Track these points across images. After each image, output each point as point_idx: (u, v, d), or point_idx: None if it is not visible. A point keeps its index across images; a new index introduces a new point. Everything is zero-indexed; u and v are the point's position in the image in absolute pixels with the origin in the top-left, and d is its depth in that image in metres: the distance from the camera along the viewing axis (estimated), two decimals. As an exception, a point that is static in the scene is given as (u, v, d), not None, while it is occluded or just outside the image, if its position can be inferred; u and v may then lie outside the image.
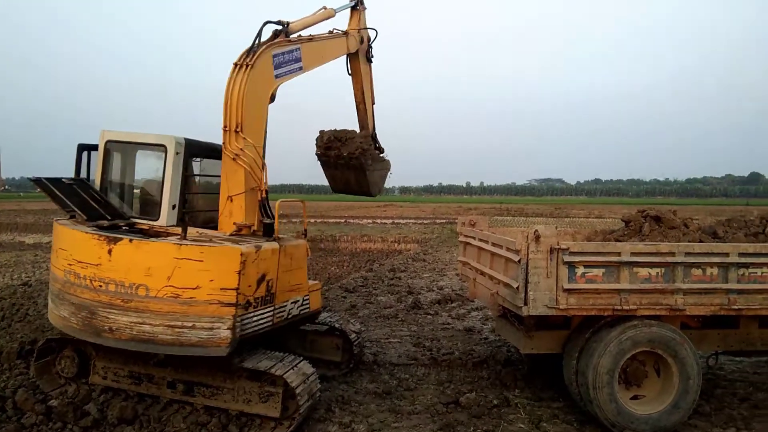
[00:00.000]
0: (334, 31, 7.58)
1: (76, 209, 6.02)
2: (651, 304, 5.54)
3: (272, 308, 5.73)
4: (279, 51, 6.47)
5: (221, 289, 5.15)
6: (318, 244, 22.27)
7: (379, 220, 41.53)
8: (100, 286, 5.32)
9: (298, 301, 6.24)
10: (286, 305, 5.99)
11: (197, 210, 7.06)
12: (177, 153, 6.34)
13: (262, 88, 6.34)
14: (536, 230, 5.41)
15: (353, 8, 8.07)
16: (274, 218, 6.20)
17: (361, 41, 8.05)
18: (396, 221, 41.12)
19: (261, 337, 5.82)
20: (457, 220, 8.25)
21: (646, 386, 5.79)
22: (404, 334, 9.33)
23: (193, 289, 5.15)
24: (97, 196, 6.31)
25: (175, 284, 5.16)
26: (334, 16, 7.53)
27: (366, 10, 8.17)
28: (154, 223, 6.37)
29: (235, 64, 6.15)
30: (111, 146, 6.66)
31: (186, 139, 6.47)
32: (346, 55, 7.98)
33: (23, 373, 6.80)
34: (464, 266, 7.81)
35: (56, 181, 6.05)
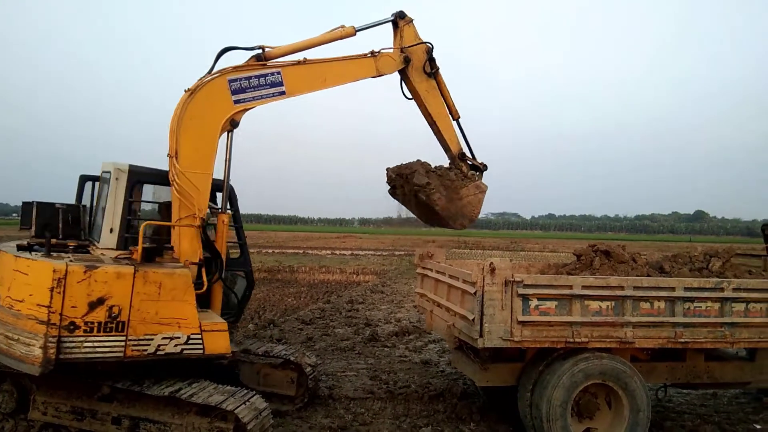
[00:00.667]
0: (378, 50, 6.85)
1: (33, 225, 6.22)
2: (602, 336, 5.67)
3: (123, 338, 5.35)
4: (237, 76, 6.28)
5: (37, 305, 5.08)
6: (275, 275, 21.95)
7: (338, 251, 41.35)
8: None
9: (179, 338, 5.54)
10: (152, 339, 5.46)
11: (155, 236, 6.92)
12: (117, 179, 6.32)
13: (212, 115, 6.18)
14: (492, 263, 5.49)
15: (394, 25, 7.11)
16: (213, 248, 6.11)
17: (406, 60, 6.97)
18: (355, 252, 41.01)
19: (201, 370, 5.76)
20: (415, 252, 8.30)
21: (598, 418, 5.88)
22: (361, 367, 9.22)
23: (20, 301, 5.18)
24: (73, 220, 6.61)
25: (11, 295, 5.25)
26: (354, 34, 6.82)
27: (412, 23, 7.09)
28: (97, 245, 6.31)
29: (186, 90, 6.09)
30: (103, 176, 6.90)
31: (131, 166, 6.45)
32: (400, 78, 7.18)
33: (-46, 409, 6.37)
34: (421, 298, 7.84)
35: (45, 204, 6.45)
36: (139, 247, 5.63)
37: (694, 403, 7.85)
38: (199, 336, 5.63)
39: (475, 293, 5.54)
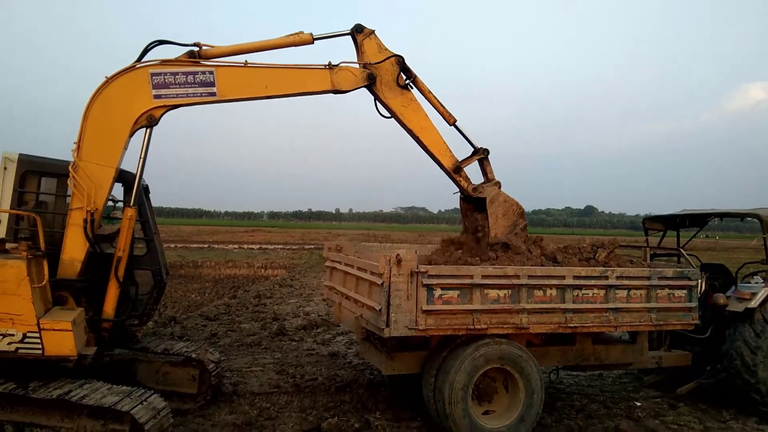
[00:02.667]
0: (337, 63, 6.24)
1: None
2: (500, 323, 5.95)
3: None
4: (162, 71, 5.87)
5: None
6: (178, 270, 21.07)
7: (245, 245, 40.39)
8: None
9: (13, 335, 5.18)
10: None
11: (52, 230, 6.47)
12: (5, 168, 5.96)
13: (125, 107, 5.82)
14: (398, 254, 5.60)
15: (352, 38, 6.44)
16: (93, 242, 5.76)
17: (370, 78, 6.30)
18: (264, 246, 40.26)
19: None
20: (324, 246, 8.29)
21: (496, 401, 6.17)
22: (267, 361, 9.09)
23: None
24: None
25: None
26: (311, 42, 6.24)
27: (373, 35, 6.39)
28: None
29: (106, 78, 5.73)
30: None
31: (21, 155, 6.04)
32: (372, 97, 6.50)
33: None
34: (330, 291, 7.85)
35: None
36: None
37: (583, 384, 8.46)
38: (38, 335, 5.18)
39: (382, 284, 5.62)
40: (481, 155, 6.94)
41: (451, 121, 6.79)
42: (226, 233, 59.18)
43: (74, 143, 5.73)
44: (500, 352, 5.95)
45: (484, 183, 6.97)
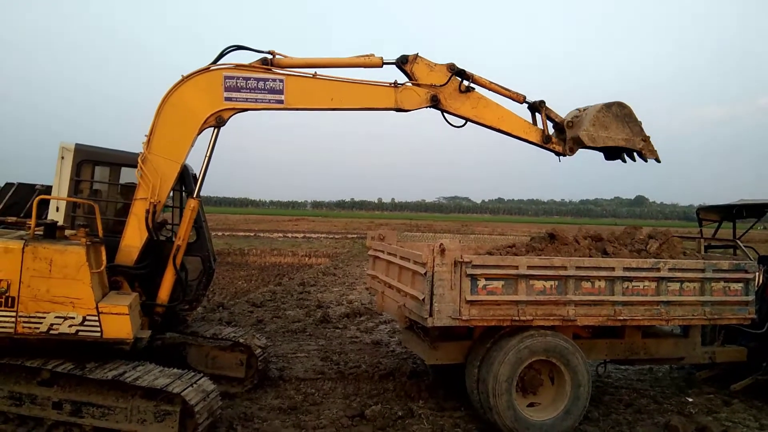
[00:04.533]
0: (402, 83, 6.37)
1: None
2: (546, 314, 5.86)
3: (13, 314, 5.26)
4: (236, 74, 6.06)
5: None
6: (225, 258, 21.61)
7: (290, 234, 41.03)
8: None
9: (73, 318, 5.37)
10: (44, 318, 5.32)
11: (108, 217, 6.76)
12: (62, 158, 6.29)
13: (197, 106, 6.03)
14: (441, 244, 5.57)
15: (400, 69, 6.47)
16: (153, 232, 6.02)
17: (434, 99, 6.37)
18: (307, 235, 40.81)
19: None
20: (367, 235, 8.33)
21: (541, 394, 6.09)
22: (312, 348, 9.23)
23: None
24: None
25: None
26: (380, 66, 6.35)
27: (418, 58, 6.38)
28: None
29: (182, 76, 5.99)
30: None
31: (77, 145, 6.37)
32: (440, 111, 6.53)
33: None
34: (373, 280, 7.89)
35: (27, 186, 6.60)
36: (33, 222, 5.44)
37: (632, 378, 8.25)
38: (96, 318, 5.39)
39: (425, 274, 5.61)
40: (543, 109, 6.75)
41: (521, 100, 6.72)
42: (271, 222, 60.22)
43: (145, 136, 5.99)
44: (546, 344, 5.85)
45: (559, 133, 6.85)
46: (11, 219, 6.33)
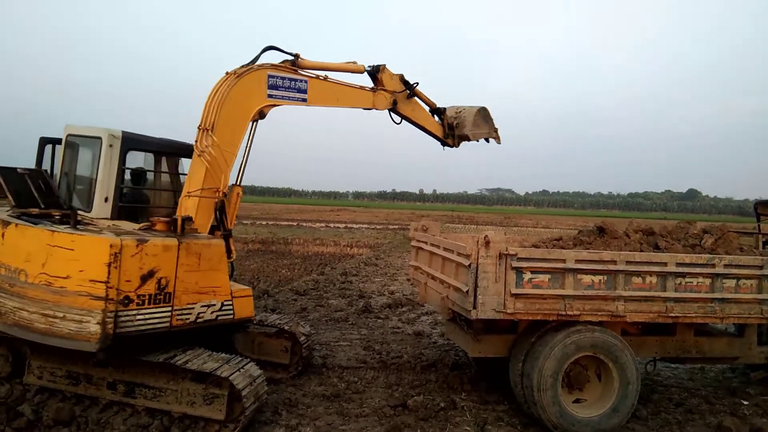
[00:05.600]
0: (375, 88, 7.69)
1: (9, 195, 5.83)
2: (593, 310, 5.73)
3: (170, 309, 5.48)
4: (276, 74, 6.70)
5: (90, 281, 4.98)
6: (269, 247, 21.98)
7: (332, 224, 41.38)
8: None
9: (214, 305, 5.84)
10: (193, 308, 5.66)
11: (150, 206, 6.95)
12: (110, 145, 6.42)
13: (248, 100, 6.52)
14: (486, 235, 5.51)
15: (372, 77, 7.78)
16: (225, 221, 6.30)
17: (394, 102, 7.82)
18: (349, 225, 41.06)
19: (199, 338, 5.81)
20: (409, 226, 8.31)
21: (587, 390, 5.97)
22: (354, 337, 9.31)
23: (64, 278, 5.01)
24: (46, 186, 6.12)
25: (48, 272, 5.05)
26: (362, 72, 7.59)
27: (386, 67, 7.77)
28: (87, 214, 6.32)
29: (227, 73, 6.44)
30: (70, 140, 6.79)
31: (124, 132, 6.50)
32: (390, 111, 7.94)
33: (-51, 373, 6.40)
34: (415, 271, 7.88)
35: (7, 169, 5.92)
36: (179, 219, 5.79)
37: (682, 377, 8.00)
38: (231, 302, 5.98)
39: (469, 266, 5.57)
40: (445, 115, 8.59)
41: (434, 106, 8.53)
42: (313, 212, 60.89)
43: (197, 128, 6.26)
44: (593, 340, 5.73)
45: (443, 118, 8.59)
46: (56, 213, 6.28)
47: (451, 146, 8.72)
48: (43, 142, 6.95)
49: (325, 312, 11.09)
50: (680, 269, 5.85)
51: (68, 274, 4.99)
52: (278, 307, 11.07)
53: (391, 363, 7.87)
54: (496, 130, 8.79)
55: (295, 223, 40.04)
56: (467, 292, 5.60)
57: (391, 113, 8.03)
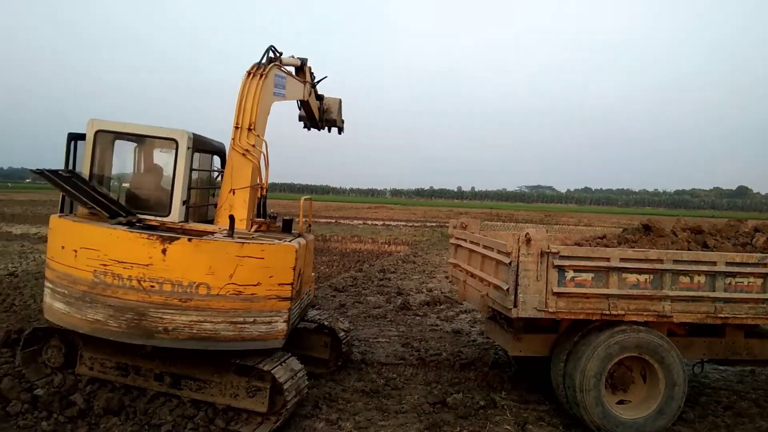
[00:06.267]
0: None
1: (96, 207, 5.84)
2: (639, 309, 5.60)
3: (299, 299, 6.03)
4: (278, 73, 7.00)
5: (279, 284, 5.40)
6: (308, 243, 22.20)
7: (369, 222, 41.53)
8: (152, 286, 5.19)
9: (309, 292, 6.82)
10: (303, 296, 6.36)
11: (195, 205, 7.10)
12: (188, 148, 6.36)
13: (269, 98, 6.81)
14: (527, 233, 5.45)
15: (300, 69, 8.08)
16: (266, 215, 6.43)
17: (309, 93, 8.24)
18: (387, 223, 41.13)
19: None
20: (448, 223, 8.28)
21: (632, 391, 5.85)
22: (393, 334, 9.35)
23: (255, 285, 5.31)
24: (94, 190, 5.98)
25: (237, 281, 5.25)
26: (298, 65, 7.89)
27: (308, 65, 8.19)
28: (165, 219, 6.30)
29: (249, 73, 6.66)
30: (102, 137, 6.39)
31: (193, 134, 6.53)
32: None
33: (9, 361, 6.72)
34: (454, 268, 7.85)
35: (56, 174, 5.75)
36: (307, 220, 6.61)
37: (731, 380, 7.73)
38: (311, 287, 6.86)
39: (509, 264, 5.52)
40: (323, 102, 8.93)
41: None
42: (351, 209, 61.21)
43: (235, 127, 6.45)
44: (638, 341, 5.60)
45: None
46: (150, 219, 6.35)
47: (319, 129, 9.03)
48: (72, 137, 6.42)
49: (364, 308, 11.16)
50: (730, 269, 5.66)
51: (258, 281, 5.32)
52: (317, 303, 11.19)
53: (430, 360, 7.86)
54: (343, 120, 9.36)
55: (333, 221, 40.36)
56: (507, 290, 5.55)
57: (300, 103, 8.42)
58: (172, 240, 5.23)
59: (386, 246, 23.36)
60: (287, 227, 6.68)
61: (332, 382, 6.83)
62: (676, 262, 5.59)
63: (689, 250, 6.17)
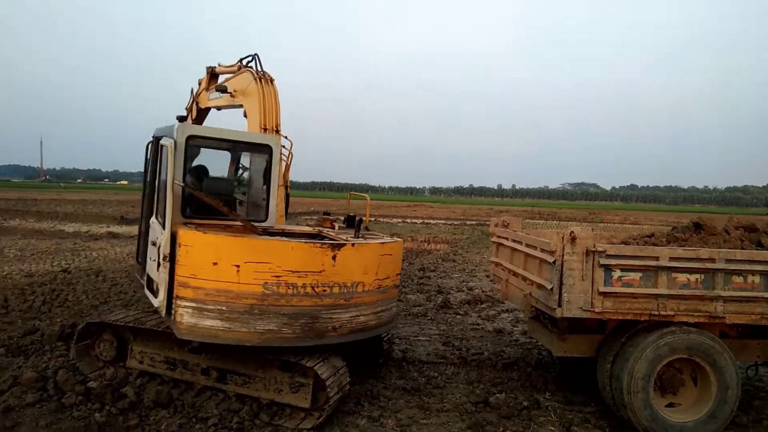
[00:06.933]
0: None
1: (237, 216, 6.26)
2: (689, 310, 5.42)
3: None
4: None
5: (396, 275, 6.35)
6: (348, 242, 22.34)
7: (408, 220, 41.51)
8: (324, 290, 5.48)
9: None
10: None
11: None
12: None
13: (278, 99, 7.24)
14: (572, 231, 5.34)
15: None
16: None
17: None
18: (426, 221, 41.03)
19: None
20: (490, 221, 8.19)
21: (682, 394, 5.67)
22: (433, 332, 9.32)
23: (386, 278, 6.07)
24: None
25: (379, 277, 5.93)
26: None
27: None
28: (263, 224, 6.66)
29: (257, 78, 7.13)
30: (193, 142, 6.19)
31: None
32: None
33: (63, 354, 7.01)
34: (496, 267, 7.77)
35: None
36: (366, 219, 6.86)
37: (788, 385, 7.40)
38: None
39: (553, 262, 5.42)
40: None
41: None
42: (390, 207, 61.33)
43: (263, 129, 6.90)
44: (689, 342, 5.42)
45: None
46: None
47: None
48: (156, 141, 6.39)
49: (404, 307, 11.16)
50: (788, 268, 5.41)
51: (388, 275, 6.12)
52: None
53: (472, 359, 7.80)
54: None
55: (372, 219, 40.50)
56: (551, 289, 5.46)
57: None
58: (340, 247, 5.58)
59: (426, 244, 23.30)
60: (351, 223, 7.04)
61: (373, 379, 6.85)
62: (729, 261, 5.39)
63: (743, 249, 5.93)
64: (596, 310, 5.35)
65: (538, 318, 6.53)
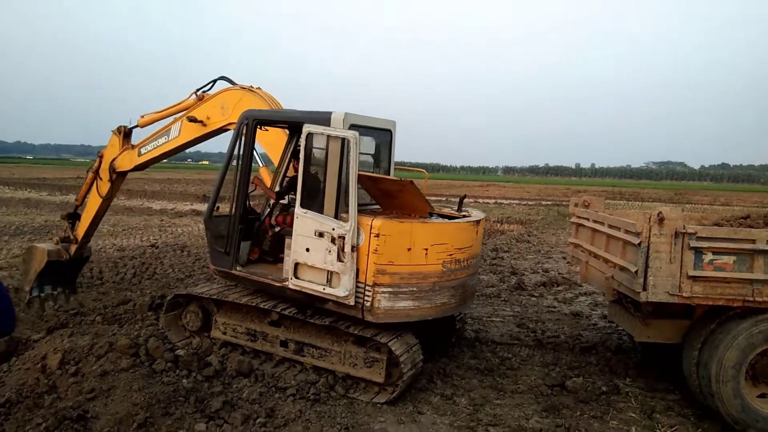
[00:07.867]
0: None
1: (431, 206, 6.63)
2: (789, 297, 5.03)
3: None
4: None
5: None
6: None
7: (481, 200, 40.91)
8: (471, 262, 6.15)
9: None
10: None
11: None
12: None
13: None
14: (660, 212, 5.07)
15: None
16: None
17: None
18: (499, 201, 40.31)
19: None
20: (569, 201, 7.92)
21: (777, 385, 5.30)
22: (507, 314, 9.19)
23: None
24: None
25: (475, 249, 6.26)
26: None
27: None
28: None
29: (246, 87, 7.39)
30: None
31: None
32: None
33: (153, 324, 7.48)
34: (575, 248, 7.51)
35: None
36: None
37: None
38: None
39: (639, 244, 5.18)
40: None
41: None
42: (462, 187, 60.50)
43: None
44: (787, 331, 5.04)
45: None
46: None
47: None
48: (256, 125, 6.44)
49: (477, 287, 11.05)
50: None
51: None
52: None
53: (547, 342, 7.64)
54: None
55: (444, 198, 40.18)
56: (636, 272, 5.22)
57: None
58: (478, 223, 6.27)
59: (498, 225, 22.94)
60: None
61: (446, 358, 6.85)
62: (839, 245, 4.94)
63: None
64: (684, 294, 5.08)
65: (620, 302, 6.27)
